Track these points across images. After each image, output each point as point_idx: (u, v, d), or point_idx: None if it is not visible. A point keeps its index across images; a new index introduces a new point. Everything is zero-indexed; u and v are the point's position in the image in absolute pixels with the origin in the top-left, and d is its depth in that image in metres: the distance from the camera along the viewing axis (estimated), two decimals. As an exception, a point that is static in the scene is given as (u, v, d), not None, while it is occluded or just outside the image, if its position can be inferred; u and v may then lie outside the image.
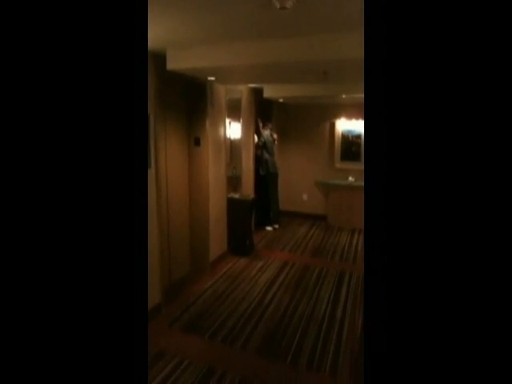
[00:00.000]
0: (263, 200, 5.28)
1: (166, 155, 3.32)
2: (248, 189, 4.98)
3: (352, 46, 2.29)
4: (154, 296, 2.94)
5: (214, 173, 3.87)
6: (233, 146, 4.60)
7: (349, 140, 5.90)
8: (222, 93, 3.97)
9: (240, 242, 4.41)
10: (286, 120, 6.20)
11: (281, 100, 5.57)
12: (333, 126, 5.99)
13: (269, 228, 5.50)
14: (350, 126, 5.85)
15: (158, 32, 2.20)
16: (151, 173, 2.85)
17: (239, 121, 4.63)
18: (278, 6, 1.77)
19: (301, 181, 6.28)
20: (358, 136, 5.81)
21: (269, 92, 4.84)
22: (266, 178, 5.34)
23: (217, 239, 4.09)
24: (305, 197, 6.34)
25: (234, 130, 4.57)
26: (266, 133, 5.32)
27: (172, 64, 2.75)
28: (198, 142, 3.70)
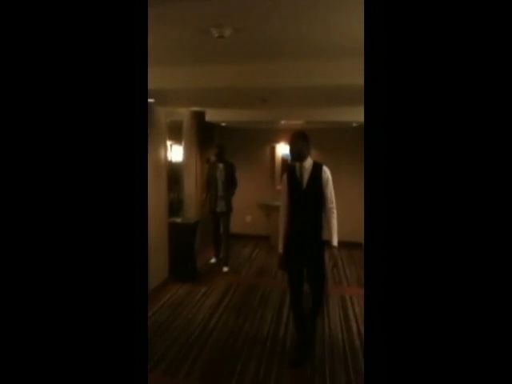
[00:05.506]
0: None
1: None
2: (190, 212, 4.90)
3: (289, 74, 2.43)
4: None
5: (153, 198, 3.75)
6: (174, 168, 4.54)
7: (287, 163, 6.15)
8: (162, 115, 3.94)
9: (183, 268, 4.28)
10: (229, 144, 6.29)
11: (223, 124, 5.67)
12: (273, 149, 6.21)
13: (213, 261, 4.97)
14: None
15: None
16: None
17: (181, 144, 4.61)
18: (216, 35, 1.84)
19: (243, 203, 6.34)
20: (297, 159, 6.08)
21: (211, 116, 4.91)
22: (220, 216, 4.62)
23: (157, 266, 3.93)
24: (248, 218, 6.40)
25: (175, 152, 4.53)
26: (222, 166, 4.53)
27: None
28: (137, 165, 3.59)
